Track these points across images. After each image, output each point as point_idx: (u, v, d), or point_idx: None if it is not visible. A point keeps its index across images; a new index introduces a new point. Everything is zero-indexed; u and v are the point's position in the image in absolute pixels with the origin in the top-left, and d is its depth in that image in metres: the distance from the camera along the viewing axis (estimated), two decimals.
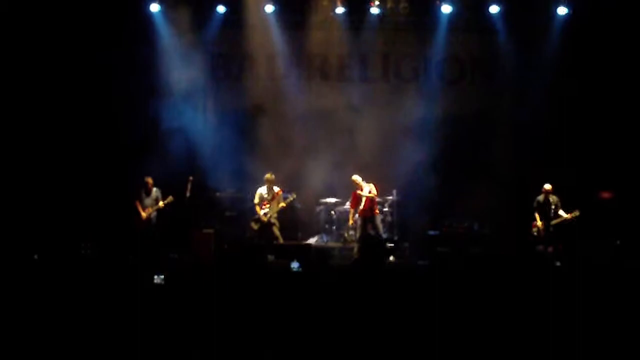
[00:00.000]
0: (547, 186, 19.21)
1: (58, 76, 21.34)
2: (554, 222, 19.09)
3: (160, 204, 19.72)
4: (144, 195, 19.86)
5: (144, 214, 19.69)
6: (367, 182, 19.84)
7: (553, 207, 19.15)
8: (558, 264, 18.53)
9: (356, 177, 19.76)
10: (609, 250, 18.94)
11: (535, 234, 19.36)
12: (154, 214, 19.90)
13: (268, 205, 19.38)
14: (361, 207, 19.71)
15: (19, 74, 21.05)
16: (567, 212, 19.07)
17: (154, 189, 19.85)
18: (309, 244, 20.65)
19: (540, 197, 19.31)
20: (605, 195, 20.60)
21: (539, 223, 19.23)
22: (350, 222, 20.22)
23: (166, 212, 20.00)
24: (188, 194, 19.85)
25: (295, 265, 17.81)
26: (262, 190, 19.49)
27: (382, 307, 11.07)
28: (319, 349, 9.80)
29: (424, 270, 18.16)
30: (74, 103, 21.47)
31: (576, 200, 19.10)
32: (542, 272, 17.30)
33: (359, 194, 19.69)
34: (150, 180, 19.82)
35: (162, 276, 15.53)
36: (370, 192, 19.64)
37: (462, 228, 21.01)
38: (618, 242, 19.22)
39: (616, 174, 20.56)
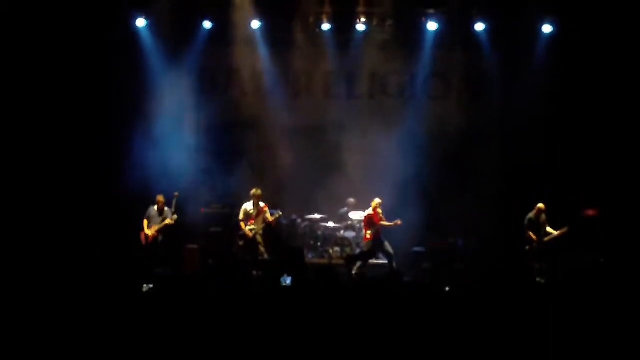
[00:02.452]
0: (541, 205, 19.21)
1: (43, 89, 21.28)
2: (546, 239, 19.09)
3: (167, 221, 19.60)
4: (154, 212, 19.78)
5: (148, 232, 19.62)
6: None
7: (543, 225, 19.17)
8: (540, 280, 18.53)
9: (378, 201, 19.71)
10: (593, 267, 18.96)
11: (529, 252, 19.29)
12: (162, 231, 19.76)
13: (254, 222, 19.30)
14: (374, 229, 19.61)
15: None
16: (555, 230, 19.08)
17: (166, 209, 19.73)
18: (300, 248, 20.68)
19: (532, 215, 19.29)
20: (590, 212, 20.62)
21: (535, 238, 19.18)
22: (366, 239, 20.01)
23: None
24: (173, 210, 19.77)
25: (287, 280, 17.80)
26: (248, 206, 19.38)
27: (368, 324, 11.05)
28: None
29: (408, 287, 18.12)
30: (58, 116, 21.38)
31: (562, 217, 19.12)
32: (526, 288, 17.36)
33: (381, 218, 19.66)
34: (161, 198, 19.71)
35: (151, 285, 15.57)
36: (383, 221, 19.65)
37: (446, 244, 21.01)
38: (602, 259, 19.23)
39: (601, 191, 20.58)
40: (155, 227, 19.63)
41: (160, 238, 19.75)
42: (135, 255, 19.40)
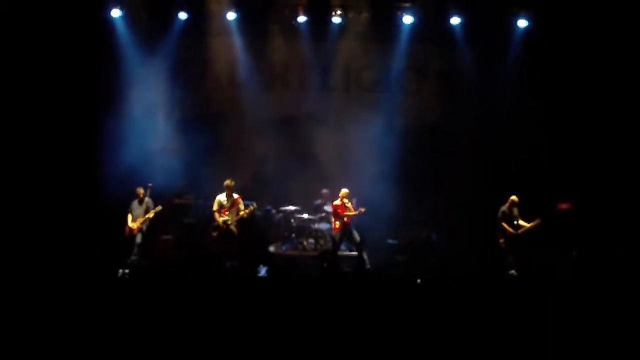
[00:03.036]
0: (514, 197, 19.24)
1: (15, 80, 21.14)
2: (519, 231, 19.12)
3: (150, 213, 19.59)
4: (136, 205, 19.76)
5: (132, 225, 19.58)
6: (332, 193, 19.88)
7: (516, 218, 19.21)
8: (513, 272, 18.62)
9: (346, 191, 19.71)
10: (565, 261, 19.07)
11: (502, 245, 19.31)
12: (146, 223, 19.77)
13: (227, 213, 19.24)
14: (344, 220, 19.61)
15: None
16: (527, 222, 19.12)
17: (146, 199, 19.74)
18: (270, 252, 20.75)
19: (505, 208, 19.32)
20: (563, 206, 20.73)
21: (510, 230, 19.19)
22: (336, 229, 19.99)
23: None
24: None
25: (262, 271, 17.83)
26: (222, 197, 19.29)
27: (342, 315, 11.10)
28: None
29: (381, 278, 18.17)
30: (30, 107, 21.28)
31: (535, 211, 19.17)
32: (499, 281, 17.48)
33: (348, 207, 19.66)
34: (141, 190, 19.69)
35: (127, 270, 15.65)
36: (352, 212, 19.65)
37: (420, 237, 21.05)
38: (575, 253, 19.35)
39: (574, 185, 20.68)
40: (140, 219, 19.62)
41: (144, 229, 19.75)
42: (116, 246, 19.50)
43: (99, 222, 20.28)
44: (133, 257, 19.24)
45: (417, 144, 22.07)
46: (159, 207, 19.67)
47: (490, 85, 21.95)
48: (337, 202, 19.66)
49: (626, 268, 17.48)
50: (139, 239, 19.58)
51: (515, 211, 19.25)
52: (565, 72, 21.26)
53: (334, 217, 19.83)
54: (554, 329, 10.73)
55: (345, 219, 19.53)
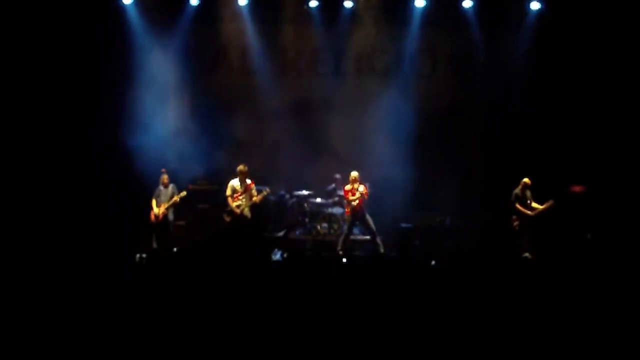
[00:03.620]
0: (526, 180, 19.19)
1: (26, 69, 21.23)
2: (532, 213, 19.07)
3: (175, 198, 19.76)
4: (161, 190, 19.88)
5: (157, 210, 19.72)
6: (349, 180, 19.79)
7: (529, 200, 19.16)
8: (528, 255, 18.58)
9: (356, 174, 19.63)
10: (580, 243, 19.04)
11: (517, 227, 19.27)
12: (171, 209, 19.90)
13: (241, 198, 19.26)
14: (354, 204, 19.58)
15: None
16: (540, 204, 19.07)
17: (171, 185, 19.90)
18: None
19: (518, 190, 19.24)
20: (577, 189, 20.66)
21: (525, 211, 19.13)
22: (347, 212, 19.97)
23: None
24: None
25: (277, 255, 17.84)
26: (235, 183, 19.29)
27: (356, 300, 11.08)
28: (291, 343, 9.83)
29: (396, 264, 18.16)
30: (45, 96, 21.36)
31: (548, 194, 19.12)
32: (514, 264, 17.42)
33: (359, 190, 19.53)
34: (166, 176, 19.88)
35: (145, 255, 15.72)
36: (365, 192, 19.56)
37: (434, 222, 21.04)
38: (589, 235, 19.32)
39: (589, 168, 20.63)
40: (164, 205, 19.78)
41: (169, 215, 19.97)
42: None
43: (113, 206, 20.47)
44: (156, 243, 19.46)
45: (429, 127, 22.02)
46: (184, 193, 19.85)
47: (503, 68, 21.90)
48: (348, 186, 19.62)
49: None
50: (167, 226, 19.89)
51: (528, 193, 19.19)
52: (578, 57, 21.17)
53: (346, 201, 19.80)
54: (565, 315, 10.69)
55: (356, 202, 19.50)
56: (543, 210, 19.00)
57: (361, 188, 19.45)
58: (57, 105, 21.43)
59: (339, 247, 19.42)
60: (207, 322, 10.18)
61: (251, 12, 22.66)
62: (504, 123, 21.73)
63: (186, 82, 22.63)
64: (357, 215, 19.60)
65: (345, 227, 19.95)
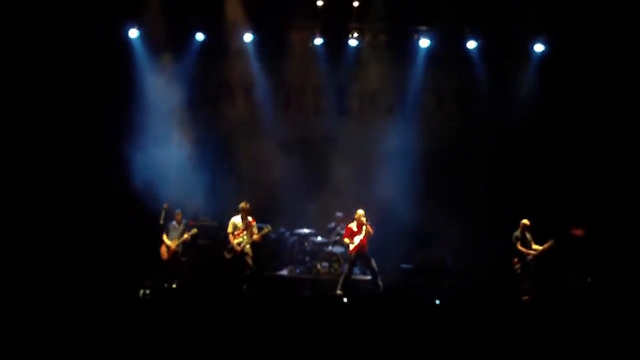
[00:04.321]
0: (526, 221, 19.16)
1: (35, 99, 21.38)
2: (533, 254, 19.01)
3: (186, 236, 19.79)
4: (173, 226, 19.92)
5: (170, 243, 19.73)
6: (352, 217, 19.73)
7: (529, 242, 19.11)
8: (527, 298, 18.51)
9: (362, 212, 19.51)
10: (580, 287, 19.00)
11: (518, 270, 19.20)
12: (181, 245, 19.90)
13: (242, 235, 19.25)
14: (356, 243, 19.38)
15: None
16: (541, 245, 19.01)
17: (183, 222, 19.99)
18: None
19: (518, 233, 19.20)
20: (577, 232, 20.65)
21: (530, 252, 19.07)
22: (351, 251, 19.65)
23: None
24: (162, 222, 19.85)
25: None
26: (236, 220, 19.29)
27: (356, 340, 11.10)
28: None
29: (394, 302, 18.13)
30: (49, 125, 21.53)
31: (549, 236, 19.08)
32: (514, 306, 17.41)
33: (367, 229, 19.34)
34: (179, 214, 19.94)
35: (148, 291, 15.76)
36: (370, 230, 19.41)
37: (435, 260, 20.99)
38: (589, 279, 19.29)
39: (589, 211, 20.62)
40: (176, 241, 19.78)
41: (179, 251, 19.95)
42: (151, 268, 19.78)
43: (116, 240, 20.56)
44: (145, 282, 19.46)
45: (432, 166, 22.04)
46: (195, 230, 19.95)
47: (506, 108, 21.93)
48: (352, 224, 19.51)
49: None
50: (178, 262, 19.94)
51: (528, 235, 19.15)
52: (581, 97, 21.23)
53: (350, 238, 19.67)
54: (566, 354, 10.73)
55: (361, 240, 19.41)
56: (543, 251, 18.93)
57: (366, 227, 19.35)
58: (61, 136, 21.54)
59: (339, 287, 19.28)
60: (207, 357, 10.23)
61: (256, 48, 22.74)
62: (507, 162, 21.79)
63: (190, 116, 22.64)
64: (361, 254, 19.49)
65: (346, 267, 19.80)
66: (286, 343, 11.01)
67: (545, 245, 18.89)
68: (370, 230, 19.26)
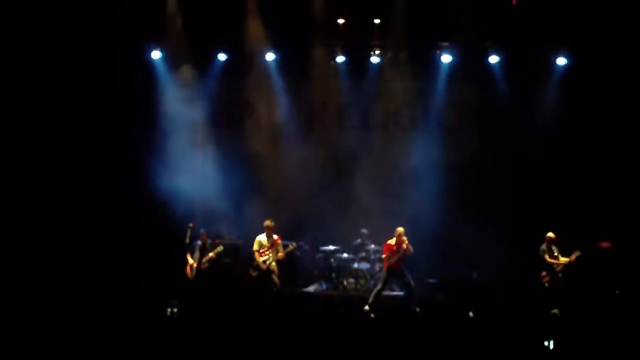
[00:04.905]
0: (551, 234, 19.09)
1: (61, 120, 21.57)
2: (560, 266, 18.92)
3: (211, 254, 19.71)
4: (197, 247, 19.82)
5: (194, 264, 19.67)
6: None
7: (556, 253, 19.03)
8: (556, 311, 18.39)
9: (402, 230, 19.29)
10: (608, 299, 18.90)
11: (547, 284, 19.13)
12: (206, 264, 19.82)
13: (267, 253, 19.27)
14: (394, 259, 19.24)
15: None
16: (567, 257, 18.92)
17: (208, 242, 19.92)
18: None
19: (544, 246, 19.14)
20: (605, 244, 20.55)
21: (559, 263, 18.99)
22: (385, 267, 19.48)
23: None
24: (187, 241, 19.83)
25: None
26: (262, 238, 19.33)
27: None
28: None
29: (421, 319, 18.06)
30: (73, 146, 21.72)
31: (576, 249, 18.99)
32: (542, 320, 17.30)
33: (404, 247, 19.10)
34: (204, 234, 19.77)
35: (175, 309, 15.83)
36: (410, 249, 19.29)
37: (461, 276, 20.93)
38: (617, 291, 19.19)
39: (616, 223, 20.55)
40: (204, 259, 19.68)
41: (204, 269, 19.79)
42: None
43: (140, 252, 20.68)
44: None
45: (457, 180, 22.02)
46: (220, 248, 19.78)
47: (529, 122, 21.92)
48: (391, 240, 19.42)
49: None
50: (206, 280, 19.76)
51: (555, 248, 19.08)
52: (605, 110, 21.18)
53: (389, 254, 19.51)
54: None
55: (396, 258, 19.40)
56: (571, 262, 18.85)
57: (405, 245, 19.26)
58: (86, 157, 21.70)
59: (368, 303, 19.19)
60: None
61: (278, 66, 22.82)
62: (532, 176, 21.74)
63: (214, 135, 22.72)
64: (395, 271, 19.39)
65: (380, 283, 19.70)
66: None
67: (572, 257, 18.80)
68: (410, 249, 19.13)
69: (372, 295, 19.28)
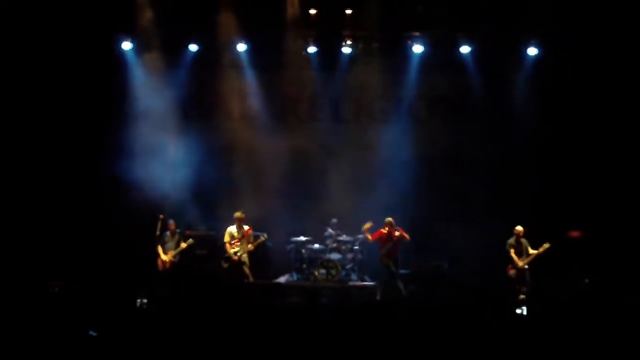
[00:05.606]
0: (519, 228, 19.16)
1: (27, 110, 21.40)
2: (526, 260, 19.02)
3: (183, 245, 19.74)
4: (168, 237, 19.87)
5: (165, 257, 19.68)
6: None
7: (524, 247, 19.11)
8: (523, 297, 18.50)
9: (391, 219, 19.69)
10: (577, 288, 18.98)
11: (513, 276, 19.22)
12: (178, 256, 19.87)
13: (238, 244, 19.24)
14: (388, 248, 19.66)
15: None
16: (536, 249, 19.01)
17: (177, 232, 19.95)
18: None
19: (512, 240, 19.23)
20: (575, 234, 20.63)
21: (520, 263, 19.11)
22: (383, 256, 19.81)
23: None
24: (158, 233, 19.76)
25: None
26: (232, 229, 19.31)
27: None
28: None
29: (393, 308, 18.07)
30: (42, 138, 21.57)
31: (546, 239, 19.06)
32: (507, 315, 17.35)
33: (397, 235, 19.63)
34: (172, 224, 19.85)
35: (145, 300, 15.76)
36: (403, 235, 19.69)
37: (431, 267, 20.94)
38: (587, 280, 19.27)
39: (586, 212, 20.63)
40: (172, 252, 19.75)
41: (176, 261, 19.90)
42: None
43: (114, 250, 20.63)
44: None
45: (428, 173, 22.05)
46: (191, 240, 19.86)
47: (500, 113, 21.96)
48: (383, 229, 19.68)
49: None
50: (176, 273, 19.81)
51: (524, 241, 19.15)
52: (575, 100, 21.26)
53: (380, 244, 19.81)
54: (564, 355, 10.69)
55: (387, 248, 19.59)
56: (539, 255, 18.93)
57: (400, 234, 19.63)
58: (54, 148, 21.60)
59: (378, 296, 19.47)
60: None
61: (250, 57, 22.73)
62: (503, 167, 21.77)
63: (184, 126, 22.58)
64: (392, 258, 19.70)
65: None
66: (283, 350, 10.96)
67: (541, 249, 18.89)
68: (406, 236, 19.65)
69: (381, 286, 19.58)
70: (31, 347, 10.65)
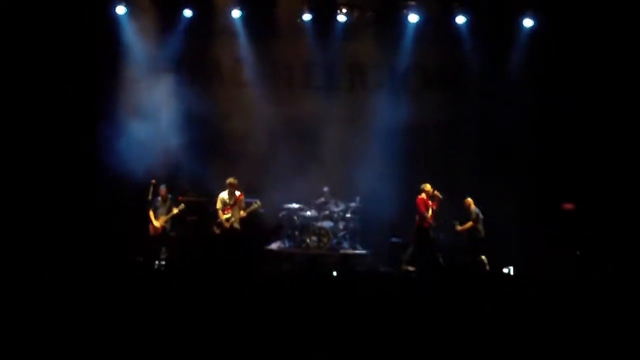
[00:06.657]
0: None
1: (20, 78, 21.20)
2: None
3: (175, 211, 19.82)
4: (159, 203, 19.90)
5: (156, 223, 19.75)
6: None
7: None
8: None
9: (428, 184, 19.81)
10: (570, 260, 19.07)
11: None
12: (169, 221, 19.94)
13: (230, 210, 19.26)
14: (429, 215, 19.66)
15: None
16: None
17: (168, 197, 20.05)
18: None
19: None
20: (568, 206, 20.67)
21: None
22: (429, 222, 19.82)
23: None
24: (150, 197, 19.78)
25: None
26: (224, 195, 19.33)
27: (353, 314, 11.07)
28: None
29: (388, 278, 18.11)
30: (35, 103, 21.35)
31: (539, 210, 19.14)
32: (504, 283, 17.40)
33: (438, 195, 19.79)
34: (163, 189, 19.93)
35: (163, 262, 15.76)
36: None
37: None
38: (578, 252, 19.35)
39: (579, 184, 20.67)
40: (163, 218, 19.86)
41: (168, 227, 20.04)
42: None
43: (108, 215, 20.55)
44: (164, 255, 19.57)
45: (421, 141, 22.10)
46: (182, 206, 20.02)
47: (495, 84, 21.94)
48: (422, 195, 19.70)
49: (629, 269, 17.42)
50: (165, 239, 20.03)
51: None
52: (571, 72, 21.23)
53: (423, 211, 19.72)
54: (555, 330, 10.67)
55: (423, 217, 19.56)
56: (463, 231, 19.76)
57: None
58: (47, 113, 21.37)
59: (404, 266, 19.49)
60: (202, 334, 10.17)
61: (244, 24, 22.62)
62: (497, 138, 21.77)
63: (178, 93, 22.47)
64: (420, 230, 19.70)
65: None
66: (279, 317, 10.94)
67: (465, 226, 19.55)
68: (438, 194, 19.75)
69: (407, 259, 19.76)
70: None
